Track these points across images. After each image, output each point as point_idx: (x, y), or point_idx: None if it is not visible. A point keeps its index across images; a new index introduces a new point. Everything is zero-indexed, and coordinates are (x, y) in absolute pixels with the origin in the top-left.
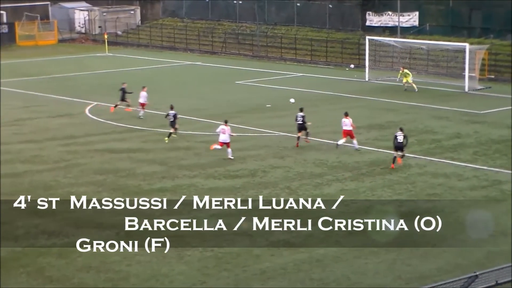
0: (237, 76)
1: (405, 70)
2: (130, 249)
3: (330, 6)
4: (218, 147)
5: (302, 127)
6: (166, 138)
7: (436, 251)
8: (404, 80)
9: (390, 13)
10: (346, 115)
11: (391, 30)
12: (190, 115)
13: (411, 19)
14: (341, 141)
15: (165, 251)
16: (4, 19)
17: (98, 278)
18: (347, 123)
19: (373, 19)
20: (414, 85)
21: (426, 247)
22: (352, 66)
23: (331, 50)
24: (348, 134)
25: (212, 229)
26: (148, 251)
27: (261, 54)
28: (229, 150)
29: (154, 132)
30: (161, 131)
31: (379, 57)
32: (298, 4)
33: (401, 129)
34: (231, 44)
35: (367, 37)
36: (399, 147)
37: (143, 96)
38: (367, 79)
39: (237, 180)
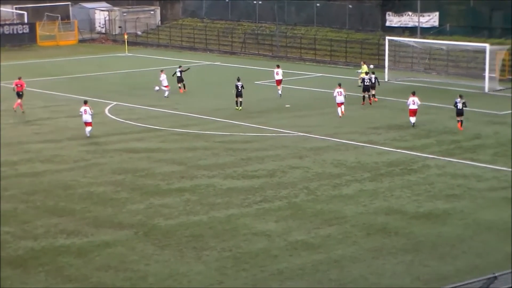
0: (256, 76)
1: (364, 66)
2: (148, 248)
3: (350, 6)
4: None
5: (368, 88)
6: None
7: (454, 252)
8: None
9: (410, 13)
10: (413, 94)
11: (411, 31)
12: (209, 115)
13: (431, 19)
14: (413, 120)
15: (183, 251)
16: (25, 19)
17: (116, 277)
18: (416, 102)
19: (393, 20)
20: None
21: (444, 248)
22: (371, 66)
23: (351, 50)
24: (414, 113)
25: (230, 229)
26: (166, 251)
27: (281, 54)
28: (89, 129)
29: (172, 132)
30: (179, 131)
31: (399, 58)
32: (318, 5)
33: (461, 96)
34: (251, 44)
35: (387, 38)
36: (460, 113)
37: (164, 79)
38: (386, 80)
39: (255, 180)
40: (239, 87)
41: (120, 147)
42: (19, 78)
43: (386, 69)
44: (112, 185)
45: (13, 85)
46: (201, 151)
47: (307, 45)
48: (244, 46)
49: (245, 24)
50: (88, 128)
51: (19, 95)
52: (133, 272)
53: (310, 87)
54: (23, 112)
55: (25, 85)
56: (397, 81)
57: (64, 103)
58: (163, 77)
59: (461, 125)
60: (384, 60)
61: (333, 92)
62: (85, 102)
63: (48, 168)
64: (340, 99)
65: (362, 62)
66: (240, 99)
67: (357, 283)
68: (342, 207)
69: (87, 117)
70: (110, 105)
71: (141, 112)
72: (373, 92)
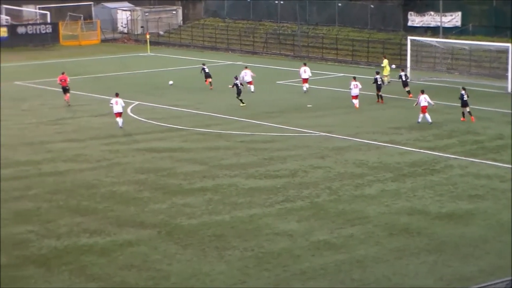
0: (278, 76)
1: (385, 60)
2: (171, 248)
3: (372, 6)
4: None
5: (380, 87)
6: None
7: (478, 253)
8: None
9: (432, 13)
10: (422, 92)
11: (433, 31)
12: (230, 114)
13: (454, 19)
14: (425, 117)
15: (206, 250)
16: (48, 19)
17: (139, 276)
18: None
19: (415, 20)
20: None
21: (467, 249)
22: (393, 66)
23: (373, 50)
24: (424, 110)
25: (252, 228)
26: (189, 250)
27: (302, 54)
28: (121, 120)
29: (194, 131)
30: (201, 130)
31: (421, 58)
32: (340, 4)
33: (464, 88)
34: (272, 44)
35: (409, 38)
36: (466, 104)
37: (248, 74)
38: (408, 80)
39: (277, 180)
40: (239, 85)
41: (143, 146)
42: (63, 73)
43: (408, 69)
44: (134, 185)
45: (58, 81)
46: (223, 150)
47: (329, 45)
48: (265, 46)
49: (266, 24)
50: (120, 120)
51: (65, 89)
52: (155, 271)
53: (332, 87)
54: (69, 105)
55: (68, 79)
56: (420, 81)
57: (87, 103)
58: (246, 73)
59: (471, 115)
60: (406, 60)
61: (350, 85)
62: (117, 94)
63: (71, 167)
64: (355, 91)
65: (383, 57)
66: (239, 97)
67: (379, 283)
68: (364, 207)
69: (118, 108)
70: (133, 105)
71: (163, 111)
72: (379, 93)
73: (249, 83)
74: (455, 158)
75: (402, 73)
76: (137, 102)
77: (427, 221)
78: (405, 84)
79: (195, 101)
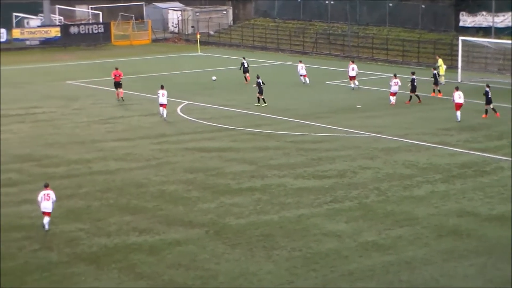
0: (327, 76)
1: (440, 60)
2: (219, 247)
3: (423, 6)
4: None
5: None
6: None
7: None
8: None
9: (484, 13)
10: (457, 89)
11: (485, 31)
12: (280, 115)
13: (506, 19)
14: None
15: (254, 250)
16: (100, 19)
17: (187, 275)
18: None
19: (466, 20)
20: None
21: None
22: (437, 65)
23: (423, 50)
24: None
25: (300, 228)
26: (237, 250)
27: (352, 54)
28: (165, 111)
29: (244, 131)
30: (251, 130)
31: (472, 58)
32: (390, 5)
33: (488, 86)
34: (322, 44)
35: (460, 38)
36: (490, 101)
37: (302, 69)
38: (459, 80)
39: (326, 181)
40: (261, 84)
41: (192, 146)
42: (116, 69)
43: (459, 70)
44: (183, 184)
45: (112, 76)
46: (272, 150)
47: (379, 45)
48: (315, 46)
49: (316, 24)
50: (164, 110)
51: (118, 84)
52: (203, 270)
53: (382, 87)
54: (122, 99)
55: (122, 75)
56: (471, 82)
57: (137, 102)
58: (301, 66)
59: (496, 112)
60: (457, 60)
61: (390, 81)
62: (162, 87)
63: (121, 166)
64: (395, 89)
65: (436, 57)
66: (261, 96)
67: (428, 285)
68: (413, 208)
69: (163, 99)
70: (182, 104)
71: (213, 111)
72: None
73: (304, 76)
74: (506, 159)
75: (435, 72)
76: (187, 102)
77: (477, 223)
78: (414, 89)
79: (245, 101)
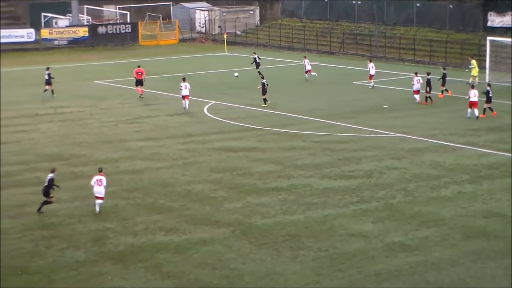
0: (354, 76)
1: (473, 61)
2: (245, 247)
3: (451, 6)
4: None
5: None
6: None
7: None
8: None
9: None
10: (473, 87)
11: None
12: (306, 115)
13: None
14: (476, 112)
15: (280, 250)
16: (128, 19)
17: (213, 275)
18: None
19: (494, 20)
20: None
21: None
22: (471, 67)
23: (451, 51)
24: (473, 105)
25: (326, 229)
26: (263, 250)
27: (379, 54)
28: (187, 102)
29: (270, 131)
30: (277, 130)
31: (500, 59)
32: (418, 5)
33: (489, 85)
34: (349, 44)
35: (488, 38)
36: (490, 100)
37: (307, 64)
38: (487, 81)
39: (352, 181)
40: (265, 85)
41: (218, 145)
42: (138, 66)
43: (487, 70)
44: (210, 184)
45: (134, 74)
46: (298, 150)
47: (406, 45)
48: (342, 46)
49: (343, 24)
50: (187, 102)
51: (140, 82)
52: (230, 270)
53: (409, 87)
54: (142, 96)
55: (144, 73)
56: (498, 82)
57: (164, 102)
58: (307, 62)
59: (492, 111)
60: (485, 61)
61: (412, 80)
62: (184, 79)
63: (147, 165)
64: (417, 86)
65: (469, 58)
66: (263, 96)
67: (455, 286)
68: (440, 209)
69: (185, 92)
70: (209, 104)
71: (240, 111)
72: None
73: (309, 71)
74: None
75: (444, 71)
76: (214, 102)
77: (504, 224)
78: (443, 83)
79: (271, 101)
